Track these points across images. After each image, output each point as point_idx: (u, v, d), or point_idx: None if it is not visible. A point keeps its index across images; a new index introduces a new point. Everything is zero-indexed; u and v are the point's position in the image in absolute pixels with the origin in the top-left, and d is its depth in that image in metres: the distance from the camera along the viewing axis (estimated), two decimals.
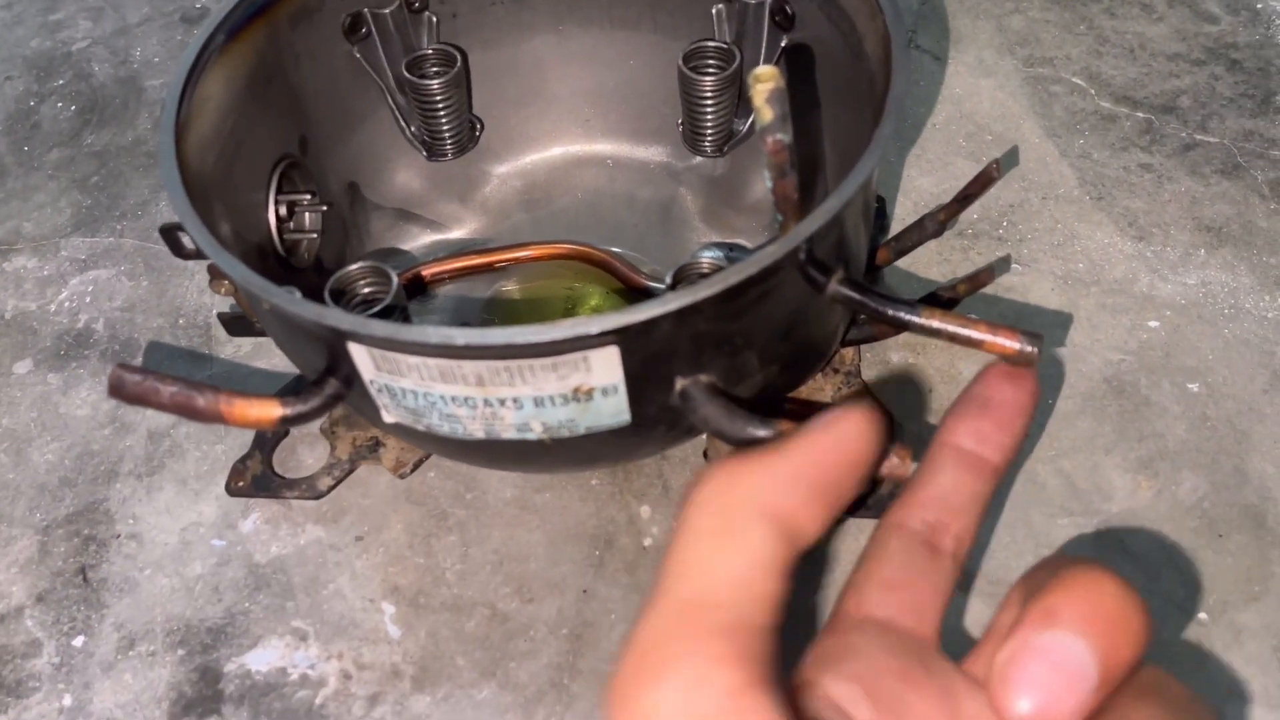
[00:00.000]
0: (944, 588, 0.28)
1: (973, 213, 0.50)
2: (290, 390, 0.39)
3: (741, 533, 0.24)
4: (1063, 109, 0.55)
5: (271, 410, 0.32)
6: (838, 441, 0.26)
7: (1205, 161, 0.52)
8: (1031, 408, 0.30)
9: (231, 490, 0.44)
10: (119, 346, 0.50)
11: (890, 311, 0.32)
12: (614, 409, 0.32)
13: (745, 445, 0.31)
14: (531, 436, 0.33)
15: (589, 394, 0.31)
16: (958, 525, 0.29)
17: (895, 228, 0.50)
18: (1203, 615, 0.38)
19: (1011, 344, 0.31)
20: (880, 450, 0.27)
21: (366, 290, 0.39)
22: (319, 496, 0.43)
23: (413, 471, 0.44)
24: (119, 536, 0.44)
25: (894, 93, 0.33)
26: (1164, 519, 0.40)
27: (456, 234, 0.51)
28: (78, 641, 0.41)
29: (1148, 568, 0.39)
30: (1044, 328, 0.46)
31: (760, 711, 0.22)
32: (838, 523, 0.41)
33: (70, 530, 0.44)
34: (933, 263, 0.49)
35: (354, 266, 0.39)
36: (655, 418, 0.33)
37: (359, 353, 0.31)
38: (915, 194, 0.52)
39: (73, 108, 0.63)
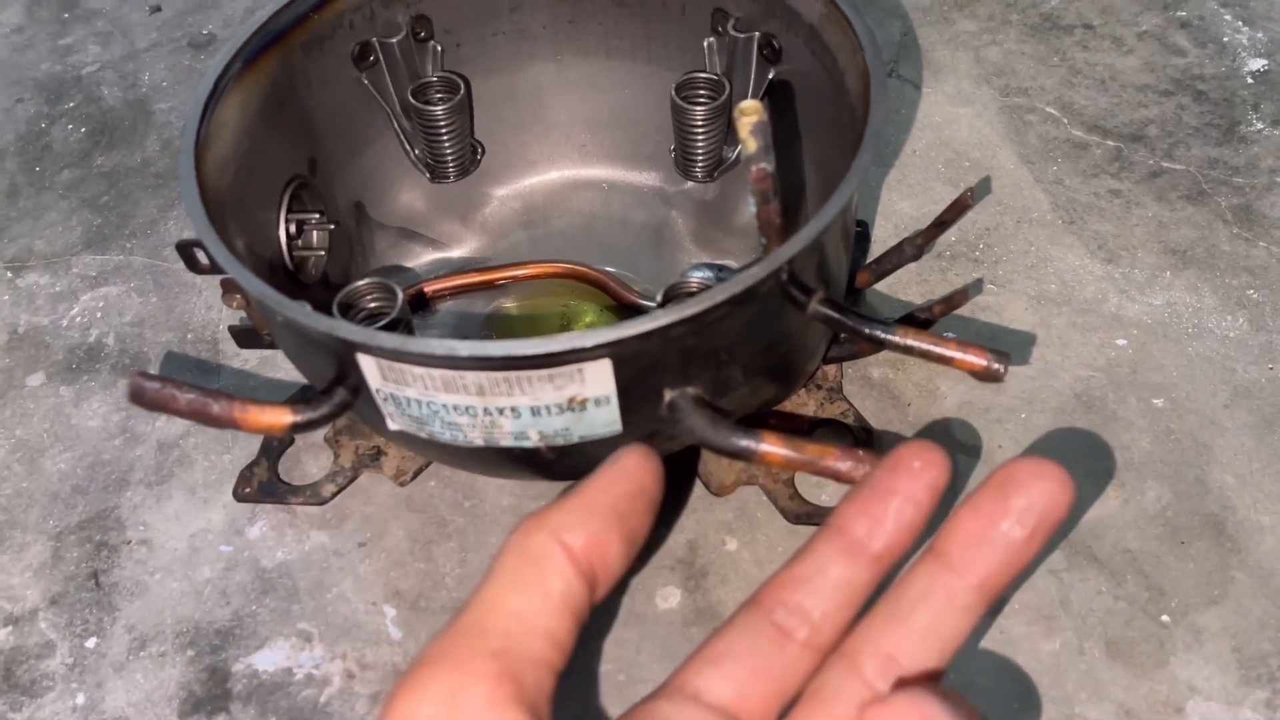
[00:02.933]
0: (783, 670, 0.27)
1: (951, 235, 0.53)
2: (299, 399, 0.41)
3: (535, 571, 0.26)
4: (1037, 137, 0.57)
5: (283, 417, 0.34)
6: (620, 472, 0.27)
7: (1172, 188, 0.54)
8: (928, 499, 0.27)
9: (238, 496, 0.45)
10: (129, 360, 0.52)
11: (868, 330, 0.34)
12: (606, 419, 0.34)
13: (730, 455, 0.33)
14: (528, 444, 0.35)
15: (583, 404, 0.33)
16: (816, 609, 0.27)
17: (876, 250, 0.52)
18: (1165, 618, 0.40)
19: (980, 361, 0.33)
20: (659, 478, 0.28)
21: (373, 305, 0.41)
22: (322, 503, 0.45)
23: (413, 480, 0.45)
24: (130, 542, 0.45)
25: (872, 125, 0.35)
26: (1129, 526, 0.42)
27: (457, 253, 0.53)
28: (90, 643, 0.42)
29: (1114, 572, 0.41)
30: (1016, 346, 0.48)
31: None
32: None
33: (82, 536, 0.46)
34: (912, 283, 0.51)
35: (361, 282, 0.41)
36: (645, 428, 0.35)
37: (367, 363, 0.33)
38: (896, 217, 0.54)
39: (83, 129, 0.65)
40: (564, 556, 0.26)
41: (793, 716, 0.27)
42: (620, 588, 0.42)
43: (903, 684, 0.26)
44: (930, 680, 0.26)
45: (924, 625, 0.27)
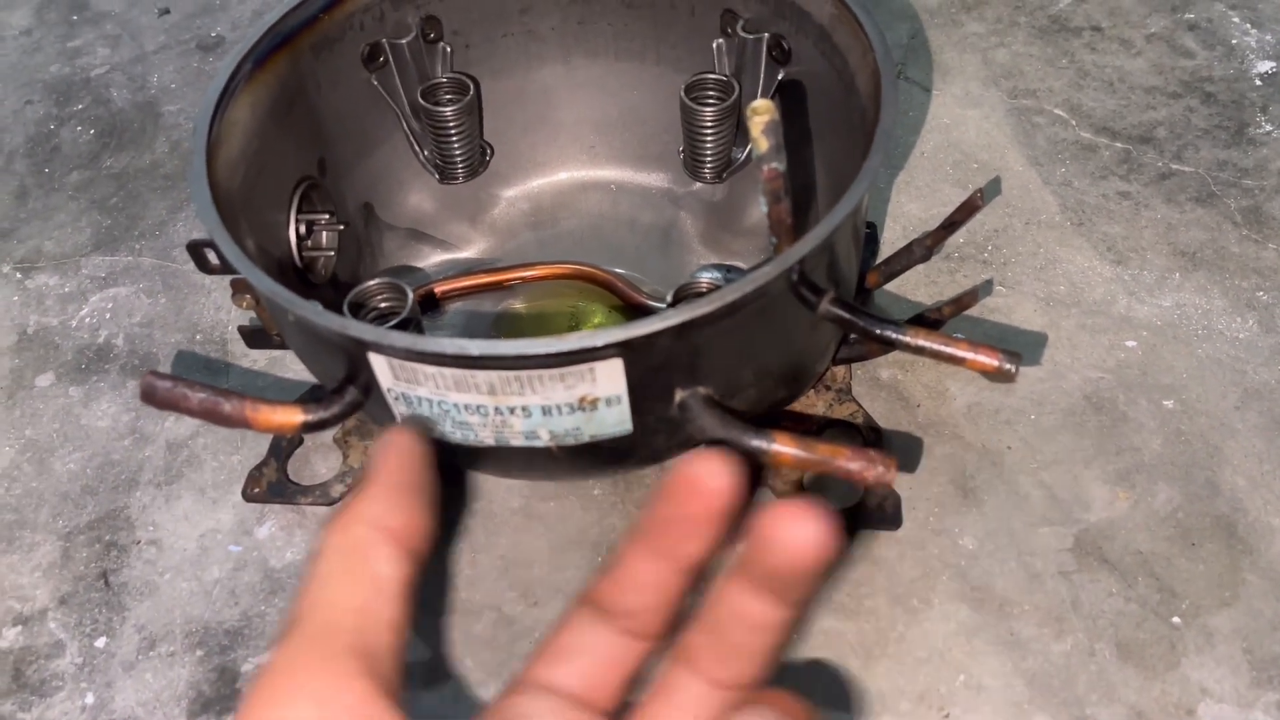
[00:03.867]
0: (624, 658, 0.29)
1: (959, 237, 0.53)
2: (309, 399, 0.41)
3: (364, 563, 0.26)
4: (1045, 139, 0.57)
5: (294, 416, 0.34)
6: (396, 450, 0.28)
7: (1181, 190, 0.54)
8: (707, 528, 0.27)
9: (247, 496, 0.45)
10: (138, 361, 0.52)
11: (878, 330, 0.34)
12: (617, 418, 0.34)
13: (742, 454, 0.33)
14: (539, 444, 0.35)
15: (594, 404, 0.33)
16: (641, 602, 0.29)
17: (885, 251, 0.52)
18: (1176, 620, 0.40)
19: (991, 361, 0.33)
20: (423, 445, 0.29)
21: (383, 304, 0.41)
22: (331, 503, 0.45)
23: None
24: (139, 542, 0.45)
25: (883, 126, 0.35)
26: (1140, 528, 0.42)
27: (466, 254, 0.53)
28: (100, 642, 0.42)
29: (1124, 574, 0.41)
30: (1026, 347, 0.48)
31: (388, 716, 0.24)
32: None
33: (92, 536, 0.46)
34: (921, 285, 0.51)
35: (372, 282, 0.41)
36: (655, 427, 0.35)
37: (379, 363, 0.33)
38: (904, 219, 0.54)
39: (92, 131, 0.65)
40: (387, 543, 0.27)
41: (641, 713, 0.29)
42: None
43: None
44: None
45: (737, 644, 0.27)
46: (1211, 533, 0.42)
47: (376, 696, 0.24)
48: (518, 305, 0.50)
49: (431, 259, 0.52)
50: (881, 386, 0.47)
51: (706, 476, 0.28)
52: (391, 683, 0.25)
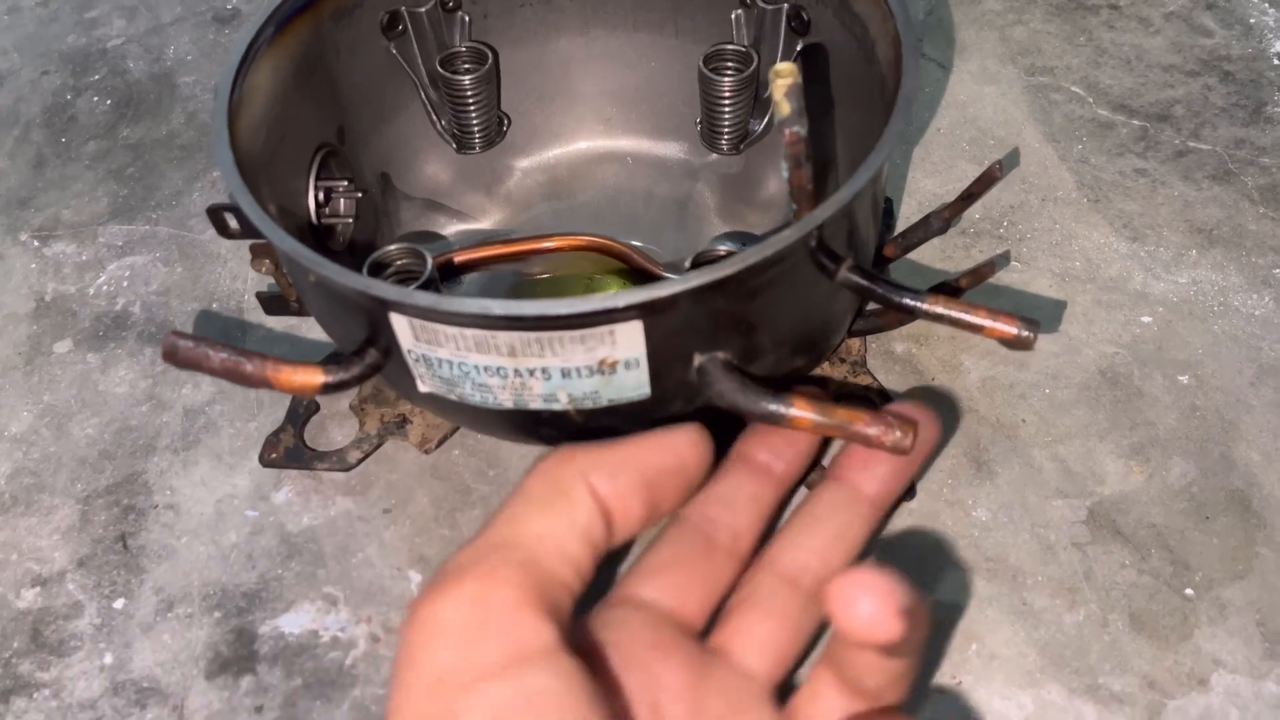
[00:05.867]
0: (714, 577, 0.31)
1: (975, 213, 0.53)
2: (329, 361, 0.41)
3: (563, 499, 0.27)
4: (1062, 116, 0.57)
5: (314, 377, 0.34)
6: (663, 445, 0.29)
7: (1198, 167, 0.54)
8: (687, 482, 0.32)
9: (264, 461, 0.46)
10: (155, 329, 0.52)
11: (897, 297, 0.34)
12: (635, 382, 0.34)
13: (760, 419, 0.34)
14: (557, 407, 0.35)
15: (613, 367, 0.33)
16: (735, 522, 0.32)
17: (901, 228, 0.52)
18: (1189, 592, 0.40)
19: (1010, 329, 0.33)
20: (706, 466, 0.30)
21: (403, 265, 0.42)
22: (348, 469, 0.45)
23: (438, 448, 0.46)
24: (157, 507, 0.46)
25: (904, 92, 0.35)
26: (1154, 502, 0.42)
27: (481, 224, 0.53)
28: (118, 604, 0.43)
29: (1138, 546, 0.41)
30: (1043, 318, 0.48)
31: (533, 628, 0.24)
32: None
33: (110, 500, 0.46)
34: (936, 260, 0.51)
35: (392, 246, 0.42)
36: (673, 392, 0.35)
37: (400, 323, 0.33)
38: (920, 195, 0.54)
39: (108, 102, 0.65)
40: (588, 494, 0.27)
41: (728, 617, 0.31)
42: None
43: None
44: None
45: (831, 535, 0.32)
46: (1225, 507, 0.42)
47: (528, 605, 0.25)
48: (533, 276, 0.50)
49: (447, 229, 0.53)
50: (896, 360, 0.47)
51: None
52: (554, 604, 0.26)
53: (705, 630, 0.31)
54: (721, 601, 0.32)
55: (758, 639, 0.30)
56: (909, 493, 0.42)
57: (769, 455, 0.34)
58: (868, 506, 0.33)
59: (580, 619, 0.29)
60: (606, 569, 0.40)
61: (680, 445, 0.29)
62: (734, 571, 0.32)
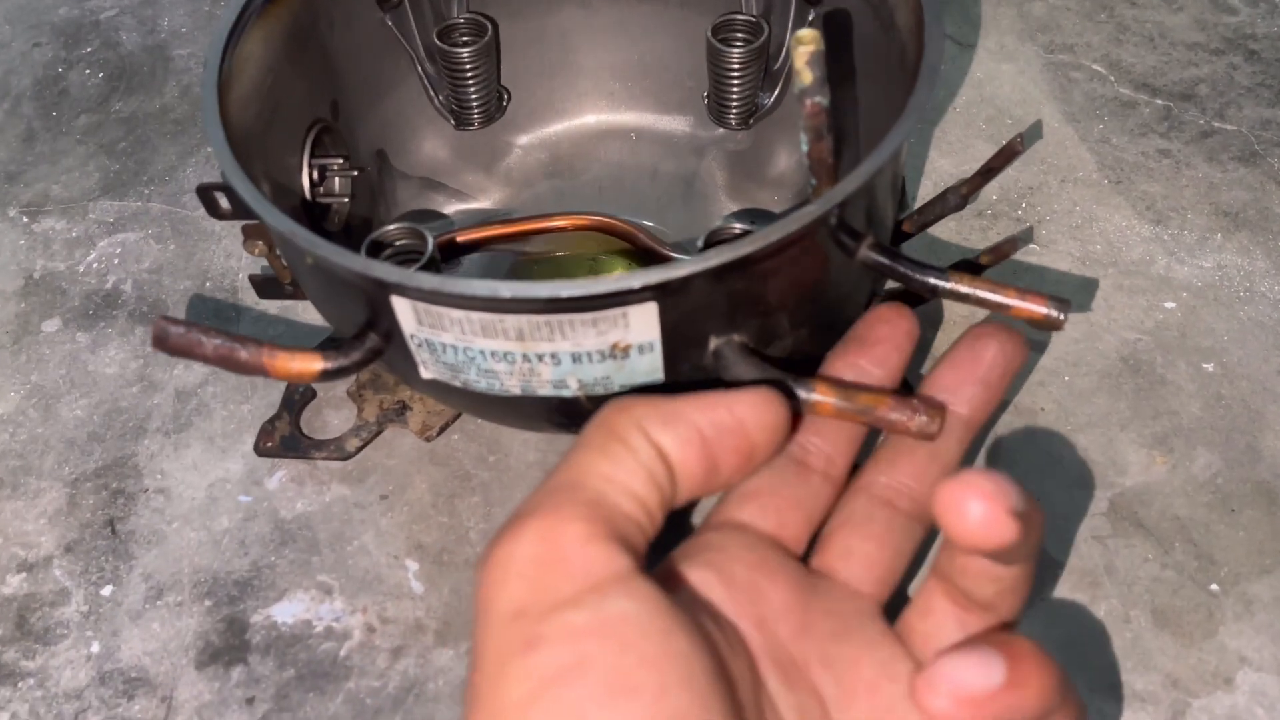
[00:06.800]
0: (810, 501, 0.31)
1: (992, 193, 0.51)
2: (327, 346, 0.39)
3: (623, 445, 0.27)
4: (1082, 95, 0.55)
5: (312, 364, 0.33)
6: (724, 406, 0.28)
7: (1223, 148, 0.52)
8: (908, 344, 0.33)
9: (260, 450, 0.44)
10: (147, 308, 0.51)
11: (919, 276, 0.33)
12: (649, 367, 0.33)
13: None
14: (567, 394, 0.33)
15: (626, 351, 0.32)
16: (827, 446, 0.32)
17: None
18: (1214, 587, 0.38)
19: (1039, 309, 0.32)
20: (772, 432, 0.29)
21: (402, 245, 0.40)
22: (347, 458, 0.44)
23: (439, 435, 0.44)
24: (147, 491, 0.44)
25: (928, 59, 0.33)
26: (1177, 493, 0.41)
27: (481, 204, 0.51)
28: (106, 591, 0.41)
29: (1161, 540, 0.40)
30: (1069, 296, 0.46)
31: (604, 559, 0.24)
32: None
33: (99, 484, 0.45)
34: (952, 241, 0.50)
35: (391, 226, 0.40)
36: (688, 377, 0.34)
37: (402, 306, 0.31)
38: (936, 175, 0.53)
39: (100, 75, 0.63)
40: (645, 440, 0.27)
41: (827, 540, 0.31)
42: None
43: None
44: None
45: (926, 456, 0.32)
46: (1252, 499, 0.41)
47: (598, 538, 0.25)
48: (535, 256, 0.48)
49: (446, 209, 0.51)
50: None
51: (895, 314, 0.34)
52: (625, 537, 0.25)
53: (804, 555, 0.31)
54: (819, 526, 0.32)
55: (860, 559, 0.30)
56: None
57: (855, 376, 0.33)
58: (961, 428, 0.32)
59: (684, 544, 0.29)
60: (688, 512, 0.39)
61: (741, 406, 0.28)
62: (830, 496, 0.32)
